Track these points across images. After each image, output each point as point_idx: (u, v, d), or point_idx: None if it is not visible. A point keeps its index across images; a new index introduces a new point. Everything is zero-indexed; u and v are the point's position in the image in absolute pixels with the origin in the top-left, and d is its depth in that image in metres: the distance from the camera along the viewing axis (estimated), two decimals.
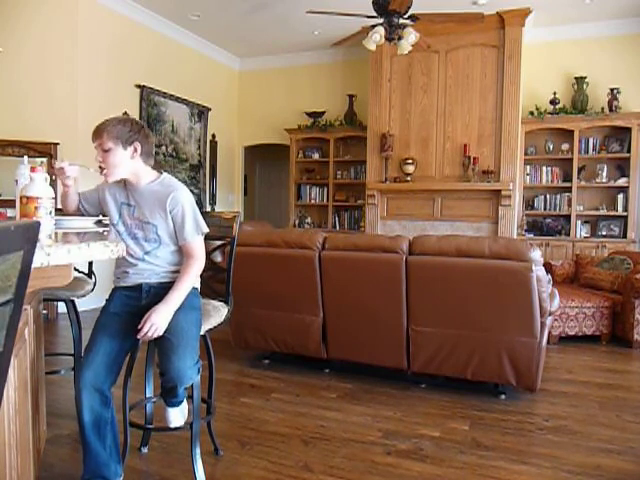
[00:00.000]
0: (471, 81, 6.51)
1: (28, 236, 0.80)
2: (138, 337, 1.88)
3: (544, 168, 6.72)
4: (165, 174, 2.09)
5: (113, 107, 6.10)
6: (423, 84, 6.73)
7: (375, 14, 4.84)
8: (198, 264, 2.00)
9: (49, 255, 1.29)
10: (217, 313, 2.24)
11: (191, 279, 1.98)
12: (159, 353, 1.96)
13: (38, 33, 5.34)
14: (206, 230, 2.03)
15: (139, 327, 1.86)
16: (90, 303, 5.48)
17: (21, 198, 1.56)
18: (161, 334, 1.88)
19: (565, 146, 6.61)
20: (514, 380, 3.09)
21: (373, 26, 4.82)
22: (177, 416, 2.13)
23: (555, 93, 6.61)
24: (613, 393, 3.36)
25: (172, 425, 2.11)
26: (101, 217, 2.21)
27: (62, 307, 4.97)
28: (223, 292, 2.35)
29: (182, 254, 2.04)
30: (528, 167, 6.76)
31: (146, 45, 6.56)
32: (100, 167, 2.04)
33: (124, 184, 2.07)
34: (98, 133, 2.03)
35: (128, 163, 2.00)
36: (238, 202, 8.79)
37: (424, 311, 3.22)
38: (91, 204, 2.19)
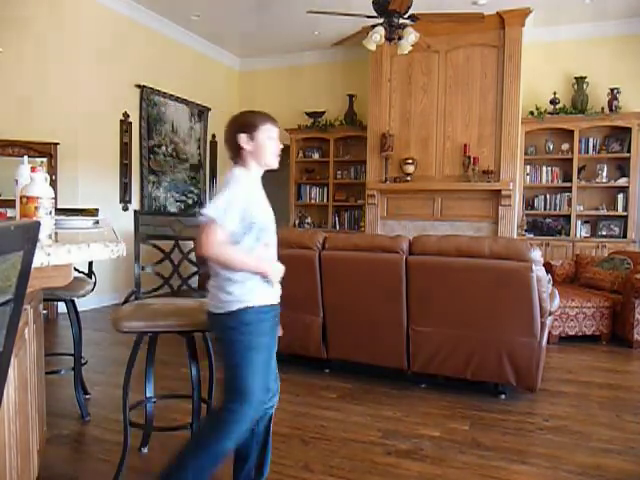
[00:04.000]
0: (471, 81, 6.50)
1: (28, 236, 0.80)
2: None
3: (544, 168, 6.72)
4: None
5: (113, 107, 6.11)
6: (423, 84, 6.73)
7: (375, 14, 4.83)
8: None
9: (49, 255, 1.29)
10: None
11: None
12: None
13: (38, 33, 5.34)
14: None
15: None
16: (90, 303, 5.50)
17: (21, 198, 1.56)
18: None
19: (565, 146, 6.61)
20: (514, 380, 3.09)
21: (373, 26, 4.81)
22: None
23: (555, 93, 6.61)
24: (613, 393, 3.36)
25: None
26: (99, 218, 2.21)
27: (62, 307, 4.98)
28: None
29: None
30: (528, 167, 6.76)
31: (146, 45, 6.56)
32: (276, 154, 1.98)
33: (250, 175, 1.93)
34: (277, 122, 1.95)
35: None
36: None
37: (424, 311, 3.22)
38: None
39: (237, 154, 1.89)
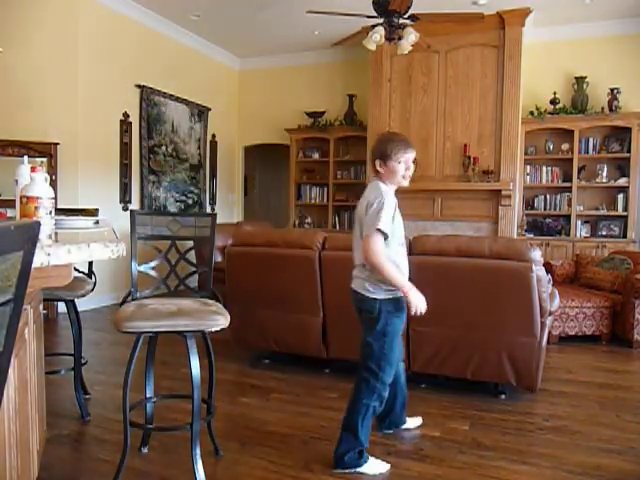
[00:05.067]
0: (471, 81, 6.50)
1: (28, 236, 0.80)
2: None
3: (544, 168, 6.72)
4: None
5: (113, 107, 6.12)
6: (423, 84, 6.73)
7: (375, 14, 4.83)
8: None
9: (49, 255, 1.29)
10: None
11: None
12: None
13: (38, 33, 5.35)
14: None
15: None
16: (90, 303, 5.50)
17: (21, 198, 1.56)
18: None
19: (565, 146, 6.61)
20: (514, 380, 3.09)
21: (373, 26, 4.81)
22: None
23: (555, 93, 6.61)
24: (613, 393, 3.36)
25: None
26: (99, 218, 2.21)
27: (62, 307, 4.98)
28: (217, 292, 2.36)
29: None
30: (528, 167, 6.77)
31: (147, 45, 6.56)
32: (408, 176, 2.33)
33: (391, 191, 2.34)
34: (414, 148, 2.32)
35: None
36: (238, 202, 8.79)
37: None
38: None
39: (376, 172, 2.33)
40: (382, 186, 2.29)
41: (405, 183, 2.33)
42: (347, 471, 2.28)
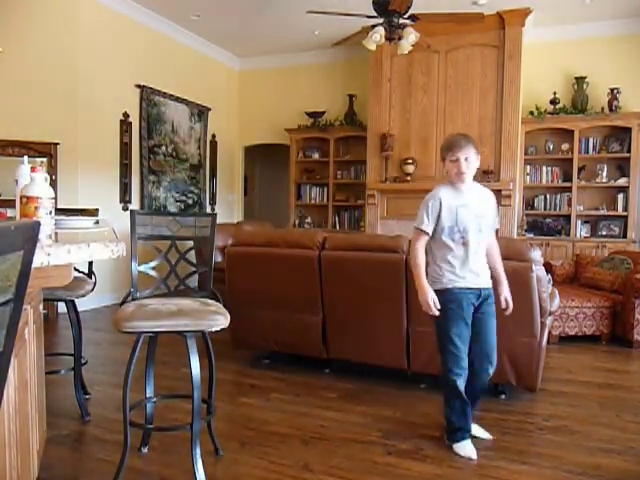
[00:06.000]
0: (471, 81, 6.50)
1: (28, 236, 0.80)
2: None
3: (544, 168, 6.72)
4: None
5: (113, 107, 6.12)
6: (423, 84, 6.73)
7: (375, 14, 4.84)
8: None
9: (49, 255, 1.29)
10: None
11: None
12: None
13: (38, 33, 5.34)
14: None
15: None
16: (90, 303, 5.50)
17: (21, 198, 1.56)
18: None
19: (565, 146, 6.61)
20: (514, 380, 3.09)
21: (373, 26, 4.82)
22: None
23: (555, 93, 6.61)
24: (613, 393, 3.36)
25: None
26: (99, 218, 2.21)
27: (62, 307, 4.98)
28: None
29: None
30: (528, 167, 6.77)
31: (146, 45, 6.56)
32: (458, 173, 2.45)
33: (452, 189, 2.51)
34: (466, 146, 2.43)
35: (474, 170, 2.48)
36: (238, 202, 8.79)
37: (424, 311, 3.21)
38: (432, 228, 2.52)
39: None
40: (437, 187, 2.54)
41: (459, 181, 2.46)
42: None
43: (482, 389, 2.62)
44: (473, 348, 2.50)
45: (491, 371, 2.55)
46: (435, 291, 2.46)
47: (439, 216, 2.45)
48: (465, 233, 2.44)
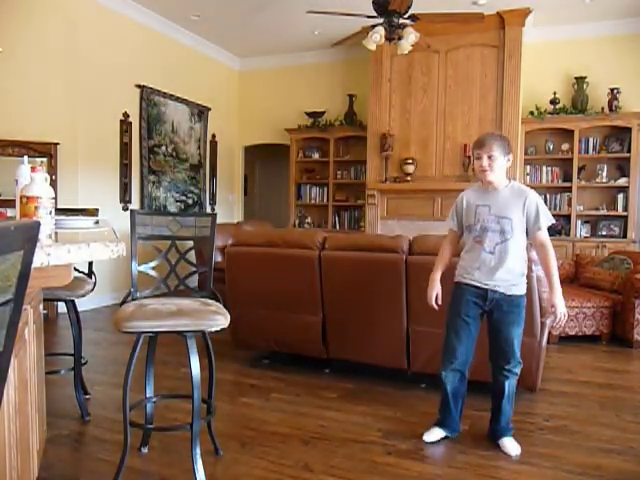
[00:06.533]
0: (471, 81, 6.50)
1: (28, 236, 0.80)
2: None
3: (544, 168, 6.72)
4: (514, 181, 2.54)
5: (113, 107, 6.12)
6: (423, 84, 6.73)
7: (375, 14, 4.83)
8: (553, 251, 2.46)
9: (49, 255, 1.29)
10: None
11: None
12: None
13: (38, 33, 5.34)
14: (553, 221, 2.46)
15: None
16: (90, 303, 5.50)
17: (21, 198, 1.56)
18: None
19: (565, 146, 6.61)
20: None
21: (373, 26, 4.81)
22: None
23: (555, 93, 6.61)
24: (613, 393, 3.36)
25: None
26: (99, 217, 2.21)
27: (62, 307, 4.98)
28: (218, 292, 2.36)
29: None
30: (528, 167, 6.76)
31: (146, 45, 6.56)
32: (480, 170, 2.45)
33: (479, 189, 2.55)
34: (488, 144, 2.42)
35: (503, 169, 2.45)
36: (238, 202, 8.79)
37: (424, 311, 3.21)
38: (459, 225, 2.62)
39: None
40: (469, 187, 2.62)
41: (483, 178, 2.46)
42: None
43: (502, 391, 2.54)
44: (489, 345, 2.57)
45: (507, 373, 2.50)
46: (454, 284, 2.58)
47: (462, 214, 2.55)
48: (482, 232, 2.44)
